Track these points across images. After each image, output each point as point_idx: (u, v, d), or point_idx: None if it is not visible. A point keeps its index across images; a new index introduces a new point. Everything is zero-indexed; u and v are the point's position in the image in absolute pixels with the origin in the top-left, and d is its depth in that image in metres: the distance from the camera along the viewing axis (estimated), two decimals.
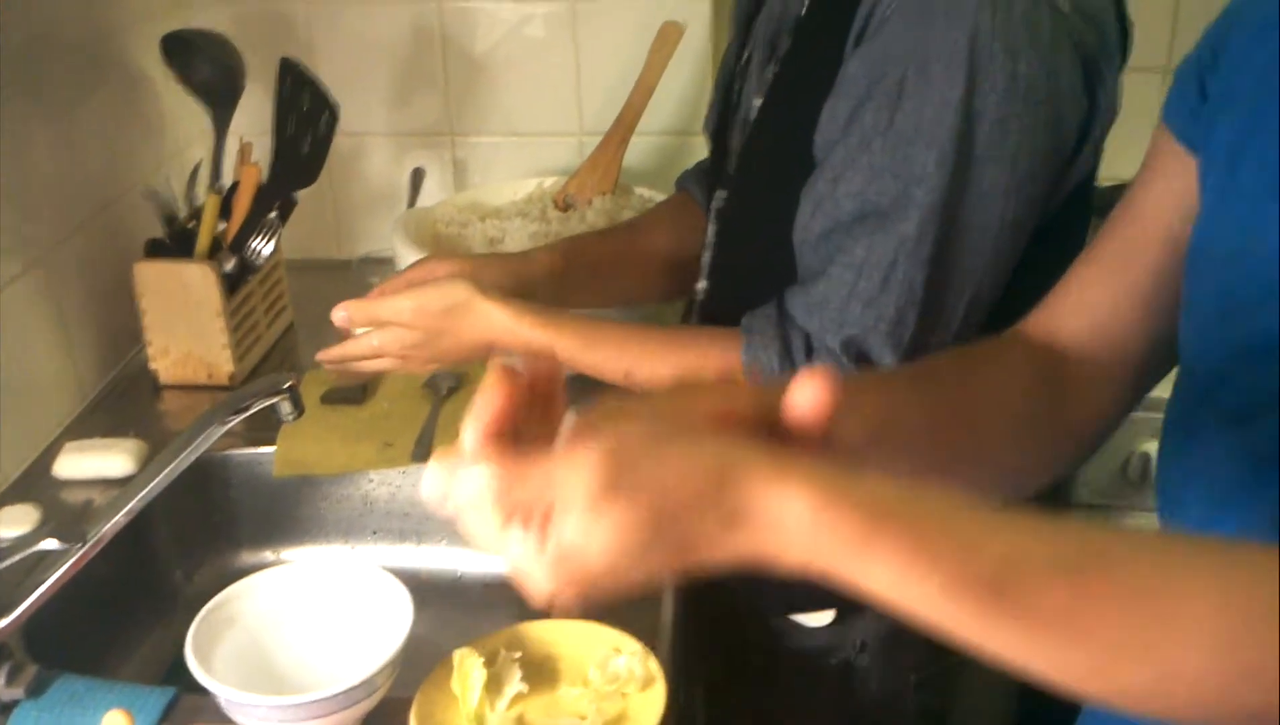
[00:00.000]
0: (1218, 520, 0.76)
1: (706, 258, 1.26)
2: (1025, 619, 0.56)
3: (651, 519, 0.56)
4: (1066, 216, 1.08)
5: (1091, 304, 0.87)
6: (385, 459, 1.44)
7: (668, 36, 1.62)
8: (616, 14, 1.80)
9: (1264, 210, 0.72)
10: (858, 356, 1.05)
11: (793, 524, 0.57)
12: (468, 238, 1.58)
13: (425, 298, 1.15)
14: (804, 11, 1.11)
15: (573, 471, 0.56)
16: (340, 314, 1.19)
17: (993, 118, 0.96)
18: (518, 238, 1.55)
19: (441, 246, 1.58)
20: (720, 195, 1.23)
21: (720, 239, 1.24)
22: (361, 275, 1.70)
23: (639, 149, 1.75)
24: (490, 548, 0.59)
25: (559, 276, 1.27)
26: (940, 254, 1.00)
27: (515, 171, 1.87)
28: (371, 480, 1.48)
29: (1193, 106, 0.81)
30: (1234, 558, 0.58)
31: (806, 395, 0.62)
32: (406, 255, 1.52)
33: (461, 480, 0.59)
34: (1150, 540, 0.61)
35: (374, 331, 1.19)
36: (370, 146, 1.91)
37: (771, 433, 0.62)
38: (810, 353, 1.06)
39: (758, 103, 1.15)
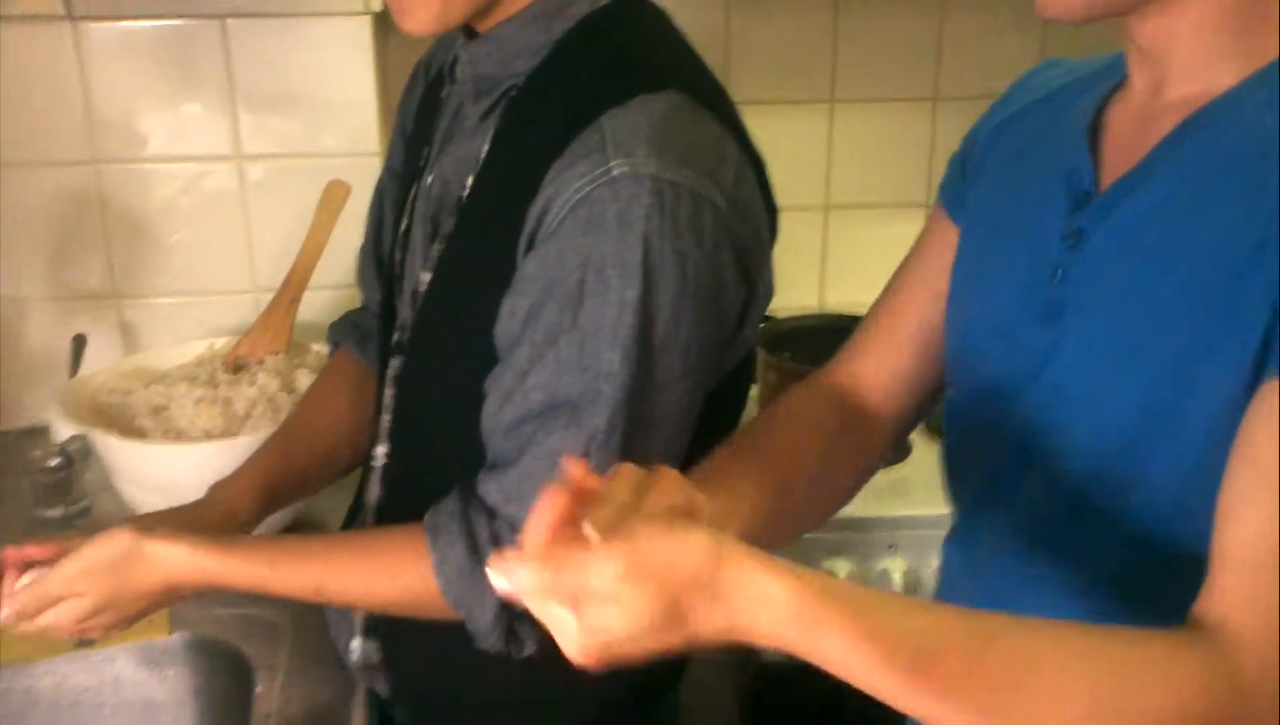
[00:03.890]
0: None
1: (386, 422, 1.25)
2: (938, 687, 0.72)
3: (660, 598, 0.69)
4: (733, 381, 1.16)
5: (877, 351, 1.11)
6: (47, 648, 1.36)
7: (334, 194, 1.62)
8: (288, 171, 1.80)
9: (1005, 302, 0.96)
10: None
11: (770, 604, 0.70)
12: (131, 406, 1.53)
13: (88, 557, 1.09)
14: (465, 195, 1.13)
15: (596, 562, 0.69)
16: (5, 612, 1.11)
17: (667, 314, 1.01)
18: (183, 403, 1.51)
19: (104, 416, 1.52)
20: (396, 362, 1.23)
21: (398, 405, 1.23)
22: (20, 449, 1.61)
23: (314, 304, 1.74)
24: (548, 624, 0.72)
25: (261, 512, 1.26)
26: (628, 441, 1.04)
27: (188, 332, 1.82)
28: (36, 671, 1.39)
29: (956, 184, 1.07)
30: (1100, 647, 0.74)
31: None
32: (64, 427, 1.45)
33: (518, 576, 0.71)
34: (1029, 624, 0.75)
35: (43, 614, 1.10)
36: (29, 312, 1.83)
37: None
38: (497, 540, 1.07)
39: (425, 277, 1.17)
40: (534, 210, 1.04)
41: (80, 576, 1.08)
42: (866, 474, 1.13)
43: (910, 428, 1.15)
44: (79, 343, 1.69)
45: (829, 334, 2.04)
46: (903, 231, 2.22)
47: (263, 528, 1.50)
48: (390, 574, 1.11)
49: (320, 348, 1.65)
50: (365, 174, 1.72)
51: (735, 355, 1.13)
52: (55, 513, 1.62)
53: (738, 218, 1.05)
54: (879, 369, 1.11)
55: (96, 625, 1.10)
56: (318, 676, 1.32)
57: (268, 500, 1.27)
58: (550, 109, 1.07)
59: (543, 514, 0.72)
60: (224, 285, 1.84)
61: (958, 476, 1.07)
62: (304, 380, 1.58)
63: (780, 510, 1.00)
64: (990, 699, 0.72)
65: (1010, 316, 0.95)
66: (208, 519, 1.22)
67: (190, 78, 1.76)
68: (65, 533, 1.52)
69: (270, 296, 1.69)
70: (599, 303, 1.00)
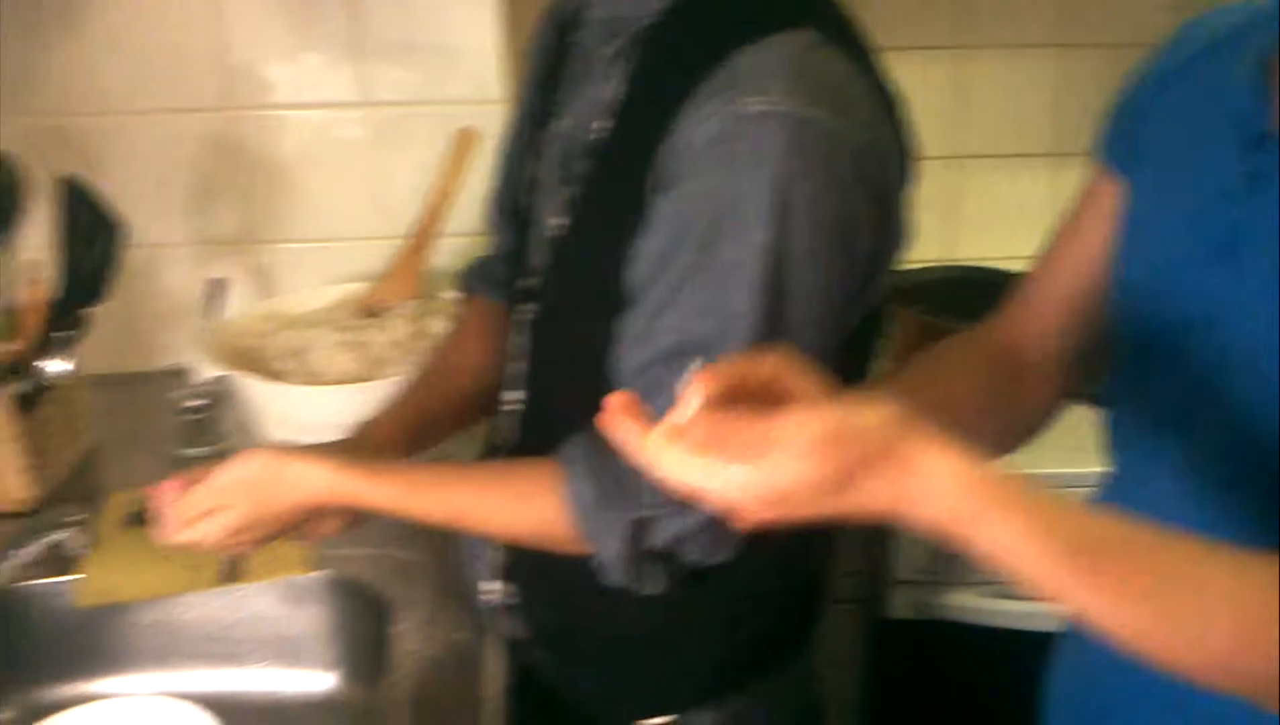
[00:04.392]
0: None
1: (520, 368, 1.27)
2: (1104, 582, 0.72)
3: (846, 463, 0.71)
4: (863, 328, 1.14)
5: (1036, 311, 1.09)
6: (194, 582, 1.41)
7: (464, 142, 1.64)
8: (416, 118, 1.81)
9: (1177, 245, 0.93)
10: None
11: (943, 483, 0.72)
12: (270, 349, 1.56)
13: (233, 471, 1.12)
14: (596, 138, 1.13)
15: (793, 420, 0.71)
16: (168, 524, 1.15)
17: (800, 256, 1.00)
18: (321, 347, 1.54)
19: (243, 359, 1.56)
20: (528, 308, 1.24)
21: (532, 351, 1.25)
22: (161, 388, 1.66)
23: (444, 251, 1.76)
24: (703, 481, 0.73)
25: (404, 453, 1.27)
26: None
27: (321, 278, 1.86)
28: (182, 604, 1.44)
29: (1119, 138, 1.03)
30: (1247, 562, 0.74)
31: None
32: (206, 369, 1.49)
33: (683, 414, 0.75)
34: (1201, 540, 0.76)
35: (193, 527, 1.14)
36: (169, 257, 1.88)
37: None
38: (625, 478, 1.07)
39: (556, 222, 1.18)
40: (666, 150, 1.03)
41: (227, 488, 1.12)
42: (1017, 436, 1.12)
43: (1063, 394, 1.13)
44: (218, 286, 1.73)
45: (958, 286, 2.03)
46: (1030, 183, 2.22)
47: None
48: (524, 503, 1.12)
49: (450, 294, 1.68)
50: (490, 121, 1.74)
51: (868, 300, 1.12)
52: (196, 452, 1.67)
53: (873, 158, 1.04)
54: (1037, 329, 1.10)
55: (242, 541, 1.14)
56: (454, 617, 1.35)
57: (411, 442, 1.29)
58: (682, 48, 1.06)
59: (697, 389, 0.76)
60: (355, 231, 1.87)
61: (1121, 429, 1.05)
62: (435, 326, 1.61)
63: None
64: (1160, 599, 0.72)
65: (1183, 261, 0.93)
66: (358, 454, 1.24)
67: (320, 26, 1.78)
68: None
69: (400, 243, 1.72)
70: (731, 244, 0.99)
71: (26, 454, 1.51)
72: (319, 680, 1.46)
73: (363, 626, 1.42)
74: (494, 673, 1.27)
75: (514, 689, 1.30)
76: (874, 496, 0.73)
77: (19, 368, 1.53)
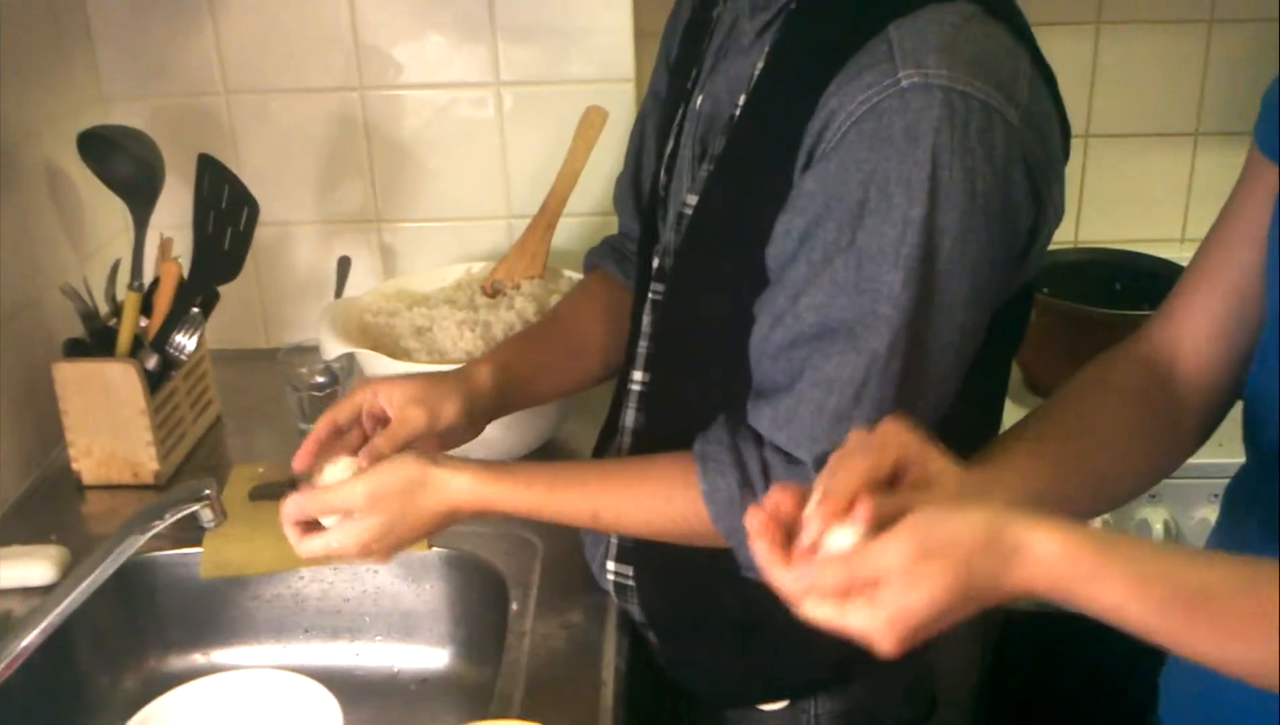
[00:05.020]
0: None
1: (642, 348, 1.25)
2: (1215, 628, 0.75)
3: (955, 574, 0.73)
4: (1014, 311, 1.11)
5: (1193, 309, 1.05)
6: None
7: (592, 121, 1.62)
8: (541, 98, 1.80)
9: None
10: None
11: (1048, 560, 0.74)
12: (396, 327, 1.56)
13: (379, 481, 1.10)
14: (738, 114, 1.11)
15: (888, 550, 0.74)
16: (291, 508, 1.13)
17: (954, 233, 0.97)
18: (445, 326, 1.54)
19: (368, 336, 1.56)
20: (657, 288, 1.22)
21: (659, 332, 1.23)
22: (288, 365, 1.67)
23: (567, 231, 1.75)
24: (837, 623, 0.76)
25: (500, 389, 1.26)
26: (909, 368, 1.01)
27: (443, 256, 1.86)
28: (302, 578, 1.45)
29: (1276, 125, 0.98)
30: None
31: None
32: (332, 346, 1.50)
33: (816, 577, 0.77)
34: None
35: (329, 530, 1.13)
36: (296, 235, 1.89)
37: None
38: (767, 469, 1.05)
39: (692, 200, 1.15)
40: (814, 125, 1.00)
41: (368, 497, 1.10)
42: (1173, 457, 1.07)
43: (1223, 408, 1.07)
44: (344, 264, 1.74)
45: (1085, 269, 1.97)
46: (1167, 162, 2.14)
47: (512, 454, 1.54)
48: (663, 501, 1.10)
49: (574, 274, 1.67)
50: (619, 101, 1.73)
51: (1020, 279, 1.08)
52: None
53: (1031, 133, 1.00)
54: (1195, 329, 1.04)
55: (378, 550, 1.12)
56: (572, 596, 1.33)
57: (506, 390, 1.27)
58: (833, 21, 1.03)
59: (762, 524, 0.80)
60: (479, 210, 1.87)
61: (1259, 418, 1.00)
62: None
63: (1079, 485, 1.00)
64: (1268, 641, 0.73)
65: None
66: (474, 387, 1.23)
67: (450, 6, 1.77)
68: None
69: (524, 222, 1.71)
70: (881, 221, 0.96)
71: (154, 428, 1.53)
72: (434, 656, 1.46)
73: (480, 604, 1.41)
74: (611, 657, 1.25)
75: (631, 672, 1.28)
76: (997, 591, 0.75)
77: (153, 342, 1.55)
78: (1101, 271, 1.94)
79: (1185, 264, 1.10)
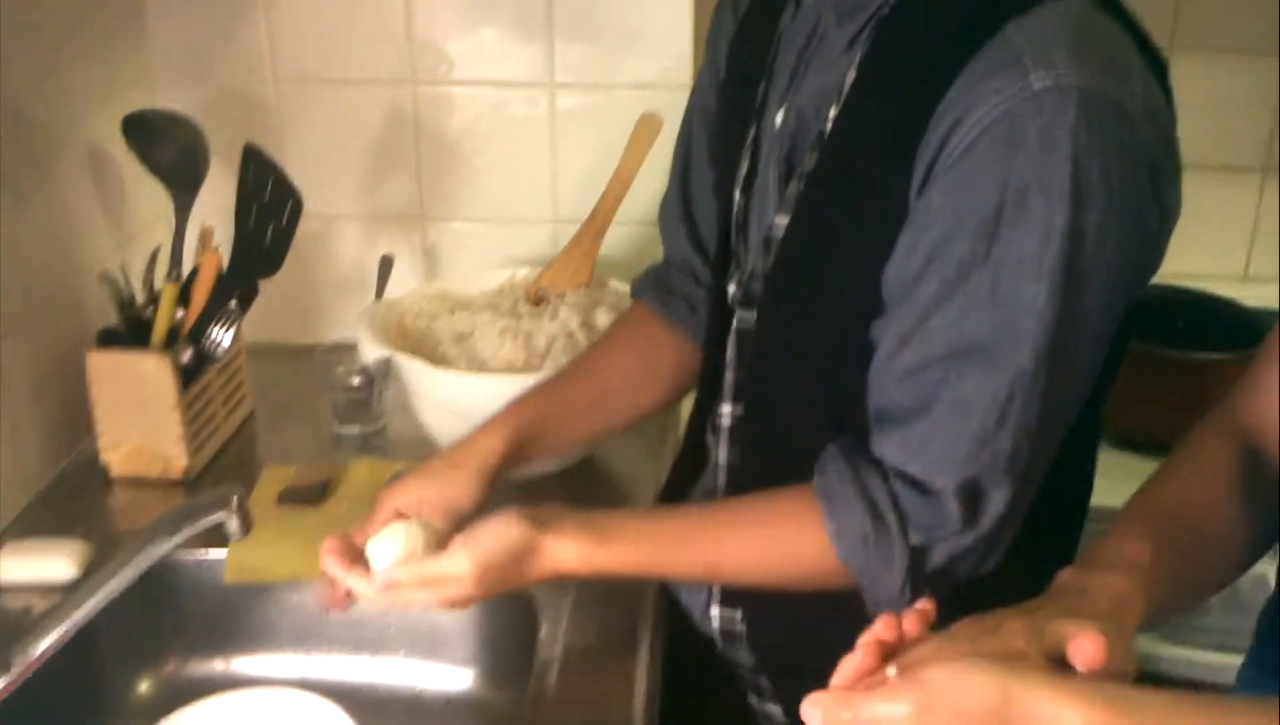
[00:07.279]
0: None
1: (729, 379, 1.19)
2: None
3: None
4: (1118, 334, 1.06)
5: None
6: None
7: (647, 128, 1.58)
8: (595, 102, 1.76)
9: None
10: (971, 496, 1.00)
11: None
12: (436, 331, 1.53)
13: (486, 551, 1.06)
14: (828, 128, 1.05)
15: (892, 703, 0.74)
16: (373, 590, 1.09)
17: (1093, 238, 0.93)
18: (487, 333, 1.50)
19: (408, 339, 1.53)
20: (744, 315, 1.16)
21: (750, 361, 1.17)
22: (326, 364, 1.64)
23: (614, 239, 1.71)
24: None
25: (512, 455, 1.22)
26: (1053, 384, 0.96)
27: (487, 259, 1.82)
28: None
29: None
30: None
31: (1086, 654, 0.79)
32: (371, 348, 1.46)
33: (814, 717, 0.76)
34: None
35: (407, 587, 1.08)
36: (339, 230, 1.86)
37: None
38: (896, 501, 1.01)
39: (782, 221, 1.10)
40: (932, 136, 0.95)
41: (479, 570, 1.05)
42: (1269, 539, 1.02)
43: None
44: (386, 264, 1.70)
45: (1147, 305, 1.92)
46: (1238, 197, 2.07)
47: (547, 471, 1.50)
48: (790, 550, 1.06)
49: (619, 285, 1.62)
50: (675, 107, 1.68)
51: (1143, 282, 1.03)
52: (353, 430, 1.65)
53: (1152, 129, 0.96)
54: None
55: (466, 604, 1.09)
56: (603, 623, 1.29)
57: (516, 455, 1.23)
58: (937, 24, 0.98)
59: (851, 661, 0.80)
60: (526, 214, 1.82)
61: None
62: (603, 317, 1.55)
63: (1188, 579, 0.97)
64: None
65: None
66: (460, 461, 1.20)
67: (506, 2, 1.73)
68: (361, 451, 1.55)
69: (570, 228, 1.67)
70: (1019, 232, 0.92)
71: (185, 423, 1.50)
72: (458, 677, 1.42)
73: (509, 626, 1.37)
74: (643, 691, 1.21)
75: (665, 709, 1.23)
76: None
77: (189, 335, 1.52)
78: (1163, 308, 1.87)
79: (1251, 304, 1.05)
